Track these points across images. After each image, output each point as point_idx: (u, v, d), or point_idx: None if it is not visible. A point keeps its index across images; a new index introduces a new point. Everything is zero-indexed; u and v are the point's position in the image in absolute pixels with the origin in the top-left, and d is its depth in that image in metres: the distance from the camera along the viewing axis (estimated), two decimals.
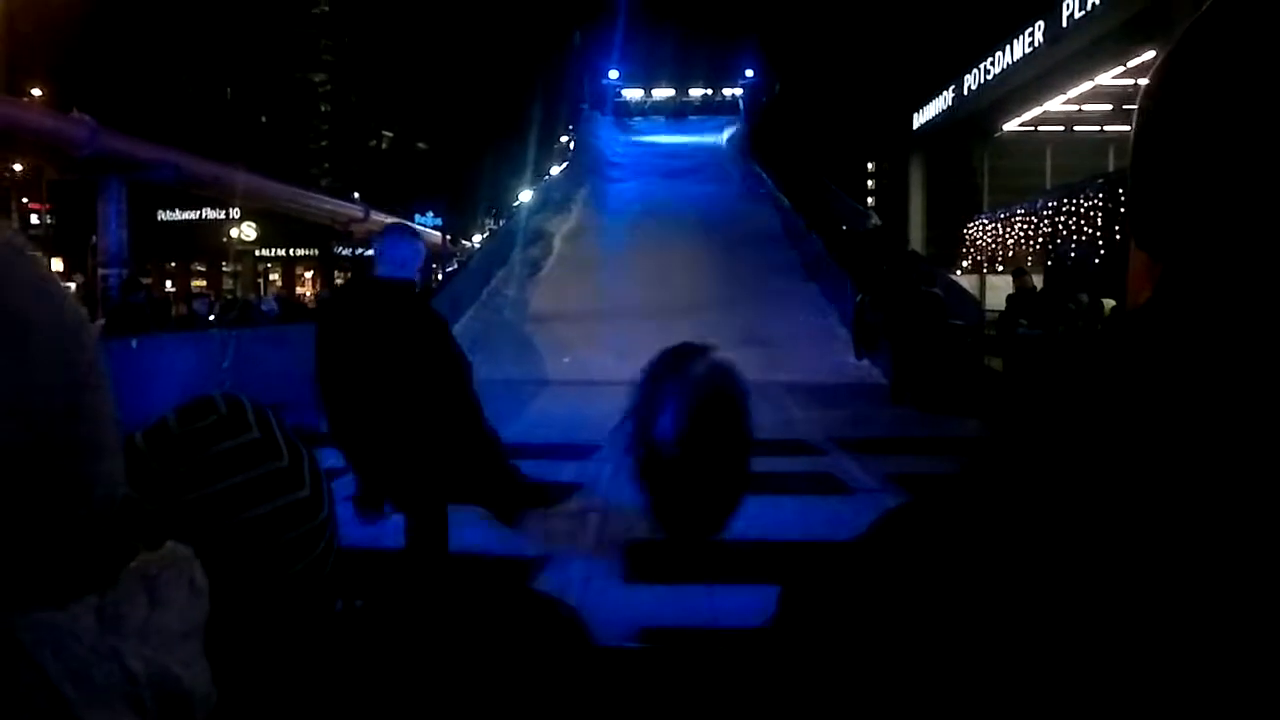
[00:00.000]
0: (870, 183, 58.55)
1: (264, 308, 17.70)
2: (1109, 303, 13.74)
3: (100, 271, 31.42)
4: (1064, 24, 22.30)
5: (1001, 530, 0.47)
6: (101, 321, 14.79)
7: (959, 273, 26.83)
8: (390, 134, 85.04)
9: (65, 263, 47.11)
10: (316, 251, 71.90)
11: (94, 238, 33.93)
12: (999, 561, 0.46)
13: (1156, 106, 0.54)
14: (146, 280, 24.38)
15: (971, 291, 20.50)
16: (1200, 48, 0.52)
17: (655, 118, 54.17)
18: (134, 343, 9.95)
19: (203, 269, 70.60)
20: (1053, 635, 0.44)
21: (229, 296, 41.73)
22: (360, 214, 55.68)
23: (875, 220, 26.79)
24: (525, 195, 38.44)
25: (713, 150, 42.43)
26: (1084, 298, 14.36)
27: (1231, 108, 0.49)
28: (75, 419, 0.49)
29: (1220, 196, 0.49)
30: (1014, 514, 0.47)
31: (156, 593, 0.51)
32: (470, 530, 6.68)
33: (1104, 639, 0.43)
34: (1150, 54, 17.62)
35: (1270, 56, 0.48)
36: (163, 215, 61.70)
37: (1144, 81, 0.57)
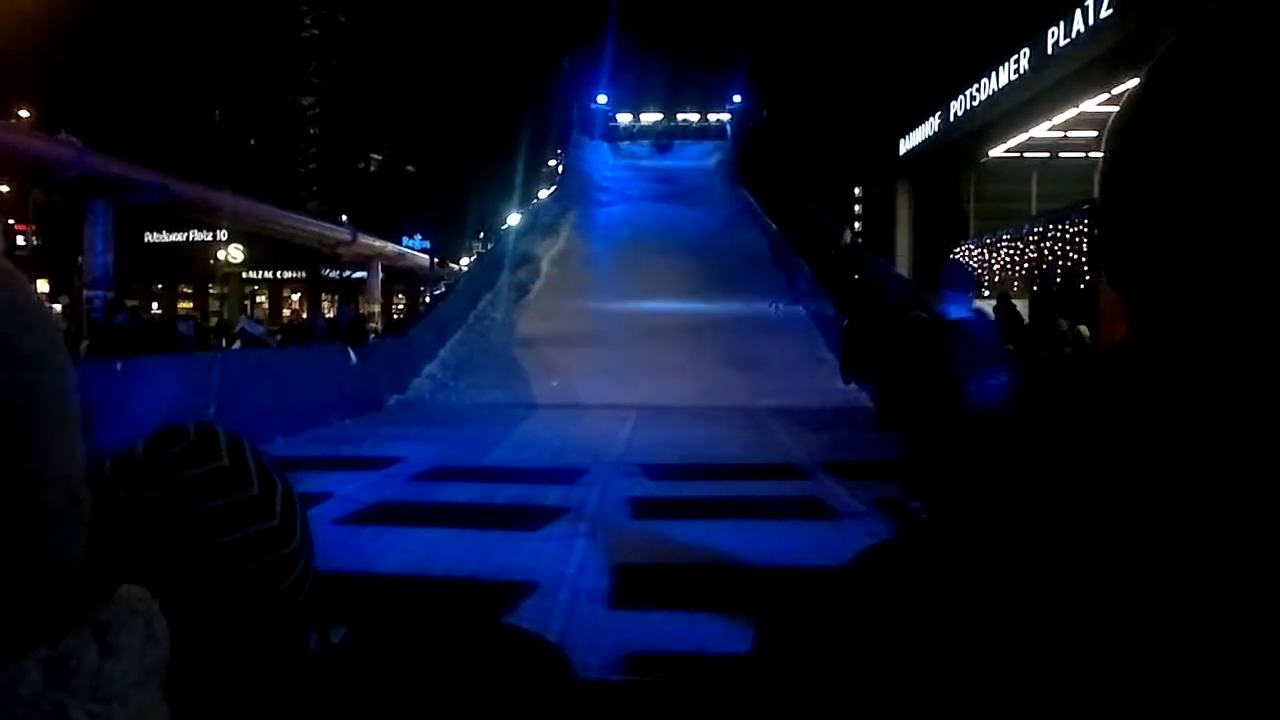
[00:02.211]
0: (857, 208, 58.75)
1: (250, 329, 17.64)
2: (1084, 330, 13.81)
3: (86, 293, 31.34)
4: (1049, 51, 22.49)
5: (984, 567, 0.47)
6: (86, 343, 14.71)
7: None
8: (379, 157, 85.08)
9: (51, 284, 46.96)
10: (304, 274, 71.81)
11: (80, 259, 33.85)
12: (981, 598, 0.46)
13: (1125, 144, 0.53)
14: (133, 302, 24.25)
15: None
16: (1169, 84, 0.51)
17: (643, 142, 54.35)
18: (118, 365, 9.90)
19: (189, 291, 70.45)
20: (1038, 671, 0.43)
21: (216, 319, 41.59)
22: (348, 236, 55.67)
23: (848, 236, 26.74)
24: (513, 218, 38.48)
25: (701, 174, 42.59)
26: (1064, 323, 14.43)
27: (1203, 145, 0.48)
28: (28, 454, 0.46)
29: (1193, 238, 0.48)
30: (998, 550, 0.47)
31: (109, 640, 0.47)
32: (456, 555, 6.65)
33: (1088, 672, 0.43)
34: (1134, 81, 17.75)
35: (1243, 90, 0.47)
36: (150, 237, 61.58)
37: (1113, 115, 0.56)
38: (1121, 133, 0.54)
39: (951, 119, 30.07)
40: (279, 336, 22.96)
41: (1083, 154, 26.89)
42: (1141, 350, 0.50)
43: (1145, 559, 0.44)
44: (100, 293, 29.54)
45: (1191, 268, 0.48)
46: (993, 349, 5.03)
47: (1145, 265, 0.51)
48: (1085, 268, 20.03)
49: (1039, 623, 0.44)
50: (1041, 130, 25.54)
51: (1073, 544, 0.45)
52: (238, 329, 19.46)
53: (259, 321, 21.33)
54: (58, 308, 41.02)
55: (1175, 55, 0.51)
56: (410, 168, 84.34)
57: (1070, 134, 25.57)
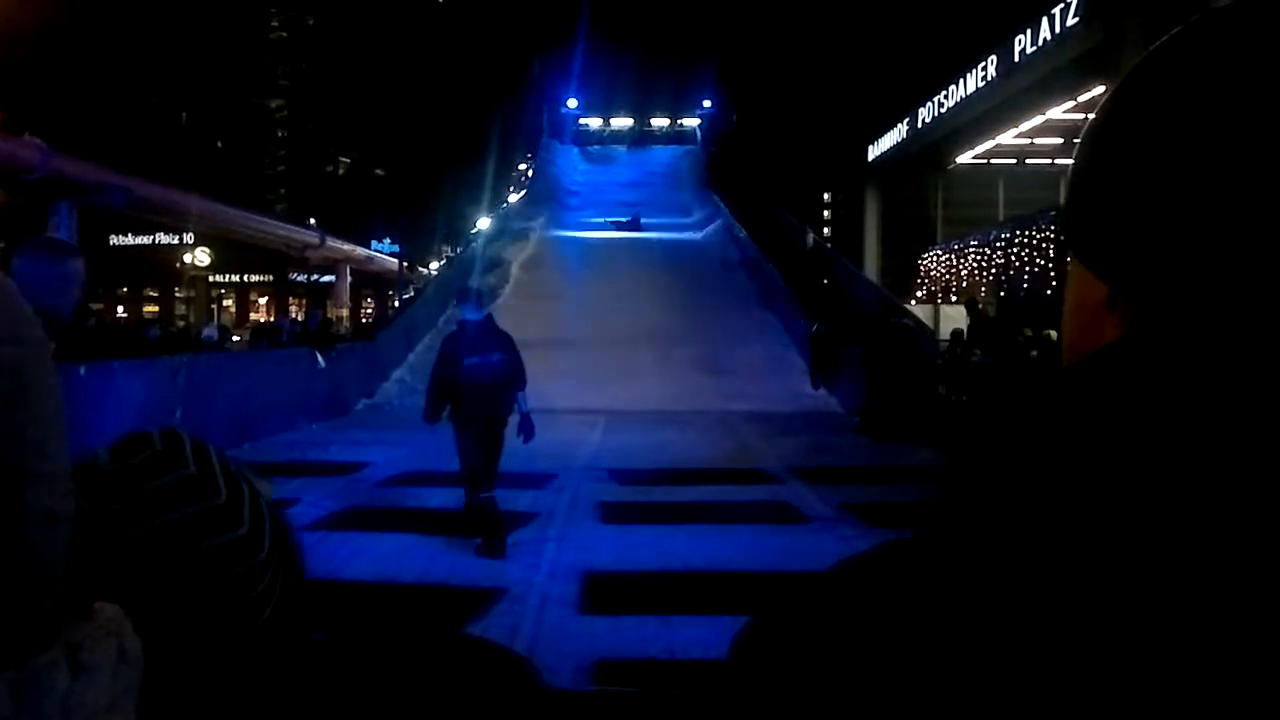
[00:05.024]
0: (826, 213, 59.01)
1: (206, 334, 17.44)
2: (1053, 334, 13.92)
3: None
4: (1016, 59, 22.67)
5: (980, 580, 0.46)
6: (53, 346, 14.53)
7: (913, 303, 27.09)
8: (347, 160, 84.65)
9: None
10: (271, 277, 71.33)
11: None
12: (977, 611, 0.45)
13: (1106, 144, 0.51)
14: (97, 306, 24.00)
15: (926, 322, 20.68)
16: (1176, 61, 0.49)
17: (614, 146, 54.37)
18: (81, 370, 9.78)
19: (155, 294, 69.76)
20: (1035, 681, 0.43)
21: (182, 324, 41.18)
22: (316, 240, 55.33)
23: (812, 237, 26.83)
24: (483, 223, 38.35)
25: (670, 179, 42.63)
26: (1028, 330, 14.55)
27: (1192, 143, 0.47)
28: (7, 468, 0.44)
29: (1190, 233, 0.47)
30: (996, 562, 0.46)
31: (80, 661, 0.45)
32: (425, 561, 6.62)
33: (1082, 683, 0.42)
34: (1100, 89, 17.94)
35: (1239, 84, 0.46)
36: (115, 240, 60.80)
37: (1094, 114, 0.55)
38: (1104, 128, 0.52)
39: (920, 125, 30.26)
40: (235, 339, 22.74)
41: (1048, 161, 27.15)
42: (1142, 350, 0.48)
43: (1153, 571, 0.42)
44: None
45: (1189, 263, 0.47)
46: (486, 336, 6.96)
47: (1146, 248, 0.49)
48: (1051, 273, 20.21)
49: (1038, 636, 0.43)
50: (1008, 137, 25.77)
51: (1079, 554, 0.44)
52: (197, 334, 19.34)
53: (214, 326, 21.18)
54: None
55: (1174, 44, 0.50)
56: (379, 171, 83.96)
57: (1037, 141, 25.81)
